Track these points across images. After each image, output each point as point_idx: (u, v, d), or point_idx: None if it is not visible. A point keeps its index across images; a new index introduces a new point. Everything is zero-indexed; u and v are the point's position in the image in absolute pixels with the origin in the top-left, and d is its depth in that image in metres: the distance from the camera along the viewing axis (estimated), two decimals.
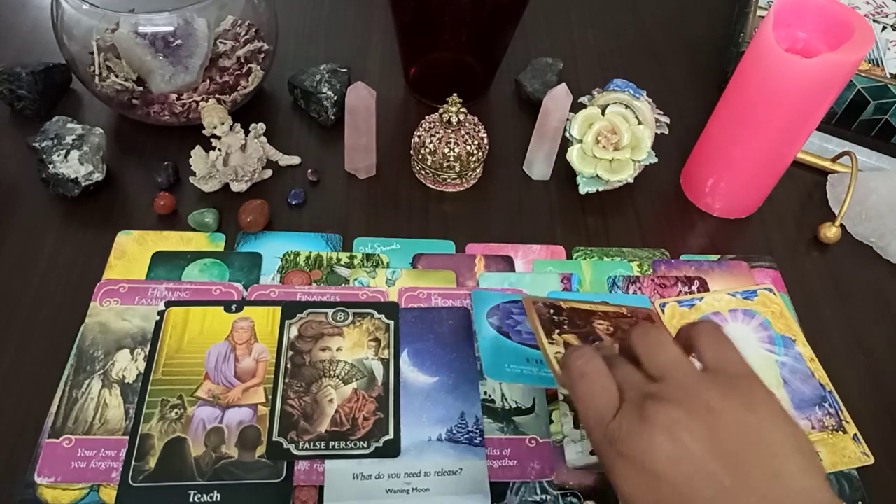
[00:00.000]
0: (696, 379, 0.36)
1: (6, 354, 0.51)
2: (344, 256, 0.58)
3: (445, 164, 0.62)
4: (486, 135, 0.63)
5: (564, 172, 0.66)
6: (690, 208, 0.66)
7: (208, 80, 0.64)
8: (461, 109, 0.61)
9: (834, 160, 0.70)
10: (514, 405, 0.51)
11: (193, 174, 0.61)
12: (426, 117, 0.63)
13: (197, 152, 0.61)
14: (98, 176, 0.59)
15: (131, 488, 0.44)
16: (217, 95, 0.64)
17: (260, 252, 0.58)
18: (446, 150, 0.61)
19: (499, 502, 0.46)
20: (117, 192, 0.62)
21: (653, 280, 0.59)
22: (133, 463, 0.45)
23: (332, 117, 0.67)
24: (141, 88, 0.62)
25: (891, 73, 0.71)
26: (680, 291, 0.59)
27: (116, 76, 0.62)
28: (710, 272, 0.60)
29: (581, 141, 0.63)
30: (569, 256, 0.60)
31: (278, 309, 0.53)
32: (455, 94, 0.61)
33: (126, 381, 0.49)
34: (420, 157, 0.63)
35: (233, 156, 0.60)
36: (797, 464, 0.33)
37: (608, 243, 0.62)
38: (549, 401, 0.51)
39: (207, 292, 0.54)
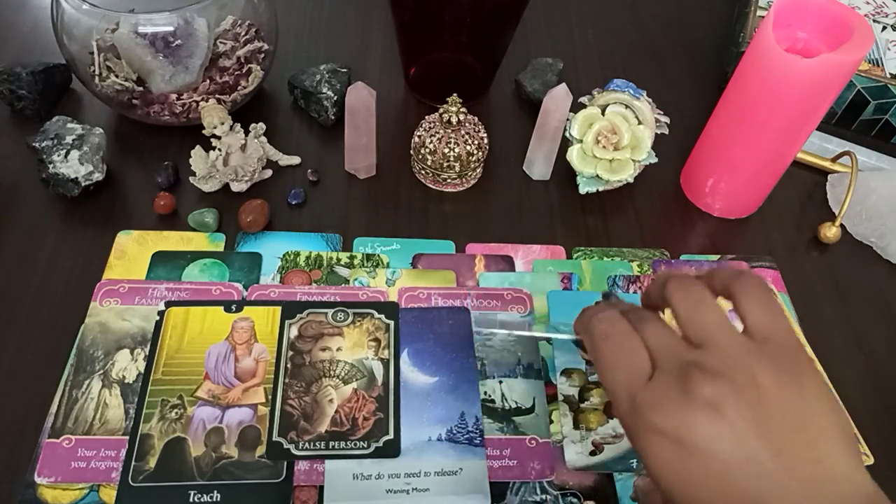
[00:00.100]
0: (744, 349, 0.32)
1: (6, 354, 0.51)
2: (344, 256, 0.58)
3: (445, 164, 0.62)
4: (486, 135, 0.63)
5: (564, 172, 0.66)
6: (690, 208, 0.66)
7: (208, 80, 0.64)
8: (461, 109, 0.61)
9: (834, 160, 0.70)
10: (514, 405, 0.51)
11: (193, 174, 0.61)
12: (426, 117, 0.63)
13: (197, 152, 0.61)
14: (98, 176, 0.59)
15: (131, 488, 0.44)
16: (217, 95, 0.64)
17: (260, 252, 0.58)
18: (446, 150, 0.61)
19: (499, 502, 0.46)
20: (117, 192, 0.62)
21: (653, 280, 0.59)
22: (133, 463, 0.45)
23: (332, 117, 0.67)
24: (141, 88, 0.62)
25: (891, 73, 0.71)
26: None
27: (116, 76, 0.62)
28: None
29: (581, 141, 0.63)
30: (569, 256, 0.60)
31: (278, 309, 0.53)
32: (455, 94, 0.61)
33: (126, 381, 0.49)
34: (420, 157, 0.63)
35: (233, 156, 0.60)
36: (840, 449, 0.31)
37: (608, 243, 0.62)
38: (549, 401, 0.51)
39: (207, 292, 0.54)
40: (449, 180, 0.64)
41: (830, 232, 0.64)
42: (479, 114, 0.66)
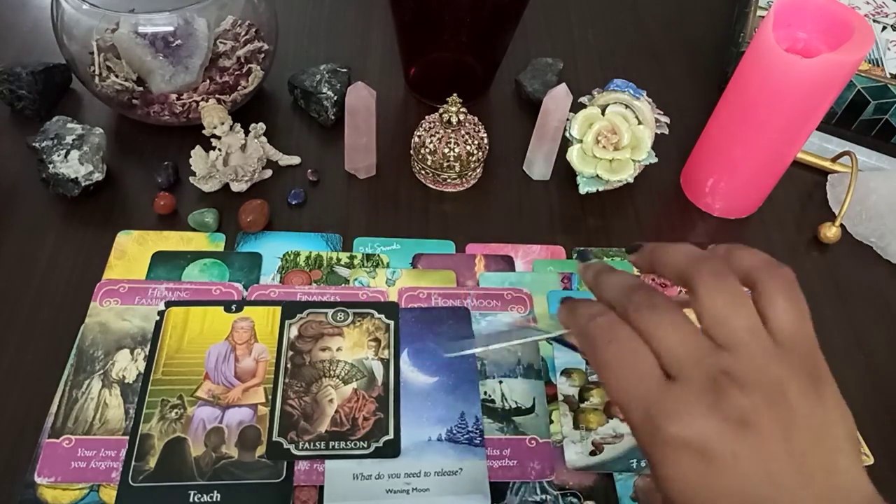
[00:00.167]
0: (775, 358, 0.30)
1: (6, 354, 0.51)
2: (344, 256, 0.58)
3: (445, 164, 0.62)
4: (486, 135, 0.63)
5: (564, 172, 0.66)
6: (690, 208, 0.66)
7: (208, 80, 0.64)
8: (461, 109, 0.61)
9: (834, 160, 0.70)
10: (514, 405, 0.51)
11: (193, 174, 0.61)
12: (426, 117, 0.63)
13: (197, 152, 0.61)
14: (98, 176, 0.59)
15: (131, 488, 0.44)
16: (217, 95, 0.64)
17: (260, 252, 0.58)
18: (446, 150, 0.61)
19: (499, 502, 0.46)
20: (117, 192, 0.62)
21: (653, 279, 0.59)
22: (133, 463, 0.45)
23: (332, 117, 0.67)
24: (141, 88, 0.62)
25: (891, 73, 0.71)
26: (680, 291, 0.58)
27: (116, 76, 0.62)
28: None
29: (581, 141, 0.63)
30: (569, 256, 0.60)
31: (278, 309, 0.53)
32: (455, 94, 0.61)
33: (126, 381, 0.49)
34: (420, 157, 0.63)
35: (233, 156, 0.60)
36: (851, 457, 0.30)
37: (608, 243, 0.62)
38: (549, 401, 0.51)
39: (207, 292, 0.54)
40: (449, 180, 0.64)
41: (830, 232, 0.64)
42: (479, 114, 0.66)
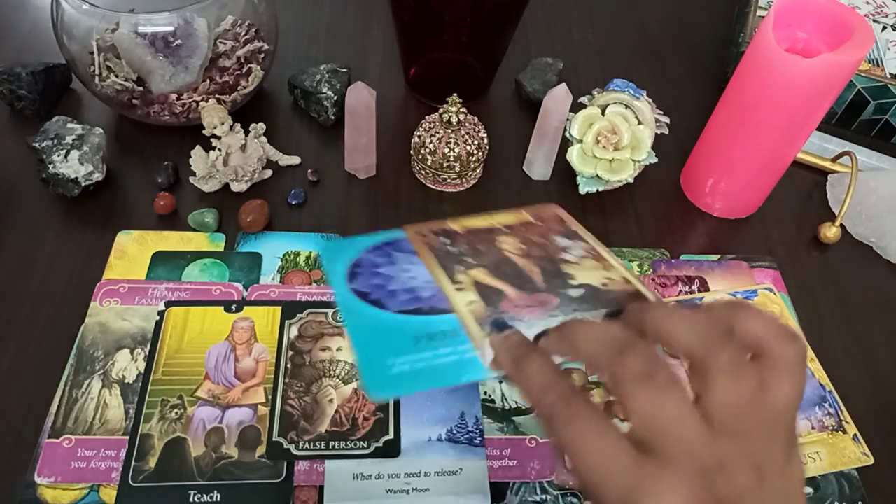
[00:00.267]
0: (764, 440, 0.28)
1: (6, 354, 0.51)
2: None
3: (445, 164, 0.62)
4: (486, 135, 0.63)
5: (564, 172, 0.66)
6: (690, 208, 0.66)
7: (208, 80, 0.64)
8: (461, 109, 0.61)
9: (834, 160, 0.70)
10: (514, 405, 0.51)
11: (193, 174, 0.61)
12: (426, 117, 0.63)
13: (197, 152, 0.61)
14: (98, 176, 0.59)
15: (131, 488, 0.44)
16: (217, 95, 0.64)
17: (260, 252, 0.58)
18: (446, 150, 0.61)
19: (499, 502, 0.46)
20: (117, 192, 0.62)
21: (653, 279, 0.59)
22: (133, 463, 0.45)
23: (332, 117, 0.67)
24: (141, 88, 0.62)
25: (891, 73, 0.71)
26: (680, 291, 0.59)
27: (116, 76, 0.62)
28: (711, 272, 0.60)
29: (581, 141, 0.63)
30: None
31: (278, 309, 0.53)
32: (455, 94, 0.61)
33: (126, 381, 0.49)
34: (420, 157, 0.63)
35: (233, 156, 0.60)
36: None
37: (608, 243, 0.62)
38: None
39: (207, 292, 0.54)
40: (449, 180, 0.64)
41: (830, 232, 0.64)
42: (479, 114, 0.66)
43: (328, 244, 0.45)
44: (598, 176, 0.63)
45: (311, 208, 0.62)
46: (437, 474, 0.47)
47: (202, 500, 0.44)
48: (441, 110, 0.61)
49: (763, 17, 0.56)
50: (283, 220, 0.61)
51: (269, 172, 0.64)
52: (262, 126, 0.62)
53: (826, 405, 0.52)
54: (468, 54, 0.70)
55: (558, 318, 0.33)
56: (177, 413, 0.48)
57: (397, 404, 0.49)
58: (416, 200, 0.64)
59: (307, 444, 0.47)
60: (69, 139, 0.58)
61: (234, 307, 0.53)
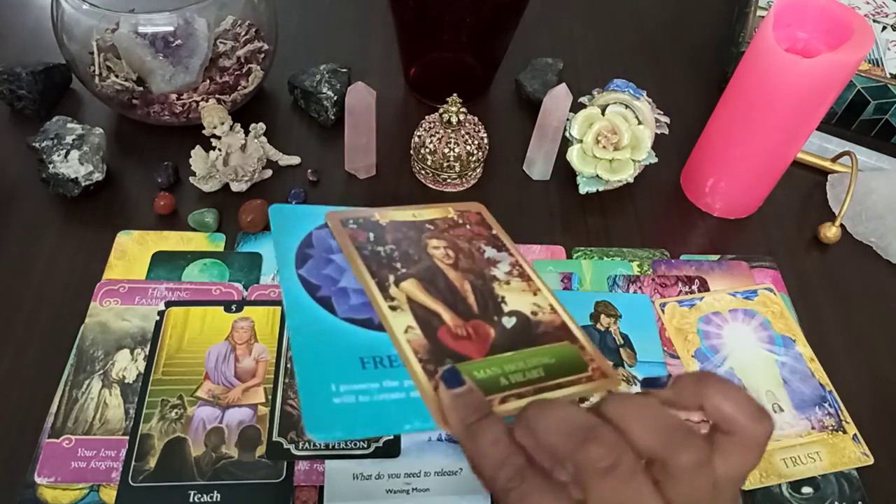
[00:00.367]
0: None
1: (6, 354, 0.51)
2: None
3: (445, 164, 0.62)
4: (486, 135, 0.63)
5: (564, 172, 0.66)
6: (690, 208, 0.66)
7: (208, 80, 0.64)
8: (461, 109, 0.61)
9: (834, 160, 0.70)
10: None
11: (193, 174, 0.61)
12: (426, 117, 0.63)
13: (197, 152, 0.61)
14: (98, 176, 0.59)
15: (131, 488, 0.44)
16: (217, 95, 0.64)
17: (260, 252, 0.58)
18: (446, 150, 0.61)
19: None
20: (117, 192, 0.62)
21: (653, 279, 0.59)
22: (133, 463, 0.45)
23: (332, 117, 0.67)
24: (141, 88, 0.62)
25: (891, 73, 0.71)
26: (680, 291, 0.59)
27: (116, 76, 0.62)
28: (710, 272, 0.60)
29: (581, 141, 0.63)
30: (569, 256, 0.60)
31: (278, 309, 0.53)
32: (455, 94, 0.61)
33: (126, 381, 0.49)
34: (420, 157, 0.63)
35: (233, 156, 0.60)
36: None
37: (608, 243, 0.62)
38: None
39: (207, 292, 0.54)
40: (449, 180, 0.64)
41: (830, 232, 0.64)
42: (479, 114, 0.66)
43: (279, 208, 0.41)
44: (598, 176, 0.63)
45: None
46: (437, 474, 0.47)
47: (202, 500, 0.44)
48: (441, 110, 0.61)
49: (763, 17, 0.56)
50: None
51: (269, 172, 0.64)
52: (262, 126, 0.62)
53: (826, 405, 0.52)
54: (468, 54, 0.70)
55: (496, 370, 0.33)
56: (177, 413, 0.48)
57: None
58: (416, 200, 0.64)
59: (307, 444, 0.47)
60: (69, 139, 0.58)
61: (234, 307, 0.53)
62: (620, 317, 0.56)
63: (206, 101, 0.63)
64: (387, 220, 0.41)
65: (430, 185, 0.65)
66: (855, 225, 0.65)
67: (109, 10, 0.59)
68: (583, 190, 0.64)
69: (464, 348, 0.34)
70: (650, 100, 0.64)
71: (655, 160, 0.63)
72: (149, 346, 0.51)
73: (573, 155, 0.63)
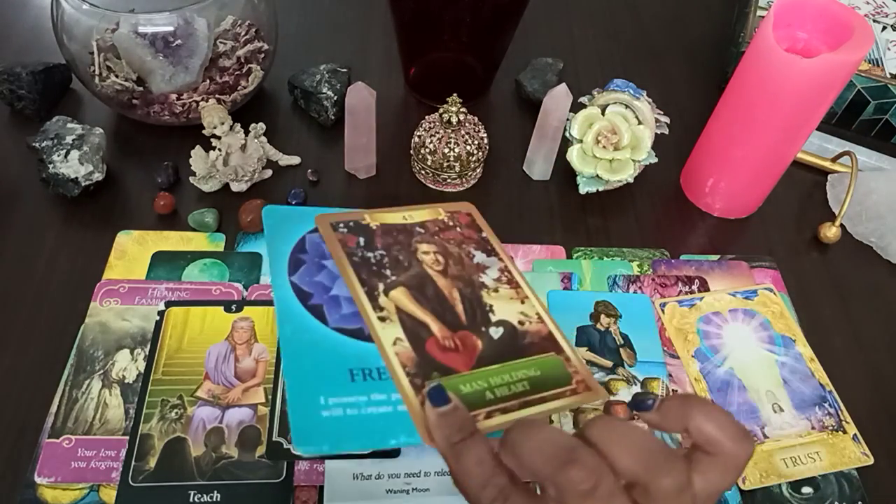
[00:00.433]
0: None
1: (6, 354, 0.51)
2: None
3: (445, 164, 0.62)
4: (486, 135, 0.63)
5: (564, 172, 0.66)
6: (690, 208, 0.66)
7: (208, 80, 0.64)
8: (461, 109, 0.61)
9: (834, 160, 0.70)
10: None
11: (193, 174, 0.61)
12: (426, 117, 0.63)
13: (197, 152, 0.61)
14: (98, 176, 0.59)
15: (131, 488, 0.44)
16: (217, 95, 0.64)
17: (260, 252, 0.58)
18: (446, 150, 0.61)
19: None
20: (117, 192, 0.62)
21: (653, 279, 0.59)
22: (133, 463, 0.45)
23: (332, 117, 0.67)
24: (141, 88, 0.62)
25: (891, 73, 0.71)
26: (680, 291, 0.59)
27: (116, 76, 0.62)
28: (710, 272, 0.60)
29: (581, 141, 0.63)
30: (569, 256, 0.60)
31: None
32: (455, 94, 0.61)
33: (126, 381, 0.49)
34: (420, 157, 0.63)
35: (233, 156, 0.60)
36: None
37: (608, 243, 0.62)
38: None
39: (207, 292, 0.54)
40: (449, 180, 0.64)
41: (830, 232, 0.64)
42: (479, 114, 0.66)
43: (272, 210, 0.40)
44: (598, 176, 0.63)
45: None
46: (437, 474, 0.47)
47: (202, 500, 0.44)
48: (441, 110, 0.61)
49: (763, 17, 0.56)
50: None
51: (269, 172, 0.64)
52: (262, 126, 0.62)
53: (826, 405, 0.52)
54: (468, 54, 0.70)
55: (483, 386, 0.34)
56: (177, 413, 0.48)
57: None
58: (416, 200, 0.64)
59: None
60: (69, 139, 0.58)
61: (234, 307, 0.53)
62: (620, 317, 0.56)
63: (206, 101, 0.63)
64: (377, 222, 0.41)
65: (430, 185, 0.65)
66: (855, 225, 0.65)
67: (109, 10, 0.59)
68: (583, 190, 0.64)
69: (451, 361, 0.35)
70: (650, 100, 0.64)
71: (655, 160, 0.63)
72: (149, 346, 0.51)
73: (573, 155, 0.63)
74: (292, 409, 0.31)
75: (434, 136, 0.62)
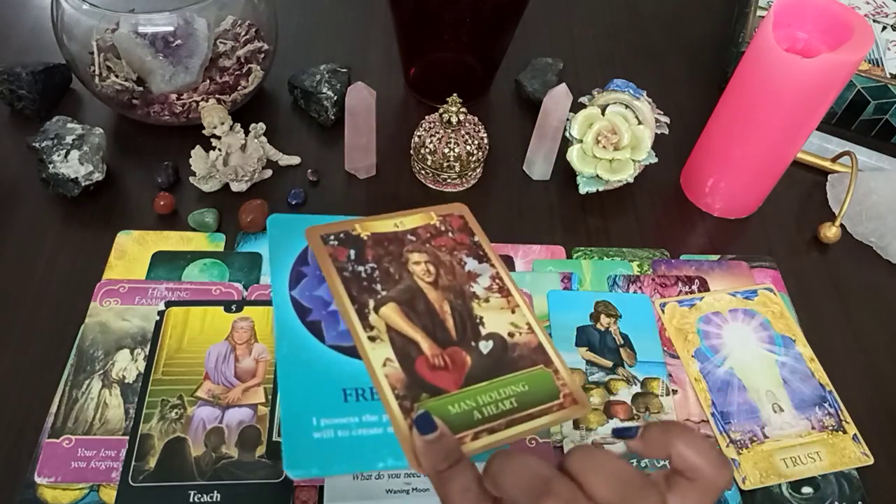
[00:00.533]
0: None
1: (6, 354, 0.51)
2: None
3: (445, 164, 0.62)
4: (486, 135, 0.63)
5: (564, 172, 0.66)
6: (690, 208, 0.66)
7: (208, 80, 0.64)
8: (461, 109, 0.61)
9: (834, 160, 0.70)
10: None
11: (193, 174, 0.61)
12: (426, 117, 0.63)
13: (197, 152, 0.61)
14: (98, 176, 0.59)
15: (131, 488, 0.44)
16: (217, 95, 0.64)
17: (260, 252, 0.58)
18: (446, 150, 0.61)
19: None
20: (117, 192, 0.62)
21: (653, 279, 0.59)
22: (133, 463, 0.45)
23: (332, 117, 0.67)
24: (141, 88, 0.62)
25: (891, 73, 0.71)
26: (680, 291, 0.59)
27: (116, 76, 0.62)
28: (710, 272, 0.60)
29: (581, 141, 0.63)
30: (569, 256, 0.60)
31: None
32: (455, 94, 0.61)
33: (126, 381, 0.49)
34: (420, 157, 0.63)
35: (233, 156, 0.60)
36: None
37: (608, 243, 0.62)
38: None
39: (207, 292, 0.54)
40: (449, 180, 0.64)
41: (830, 232, 0.64)
42: (479, 114, 0.66)
43: (277, 220, 0.40)
44: (598, 176, 0.63)
45: (311, 208, 0.62)
46: None
47: (202, 500, 0.44)
48: (441, 110, 0.61)
49: (763, 17, 0.56)
50: None
51: (269, 172, 0.64)
52: (262, 126, 0.62)
53: (826, 405, 0.52)
54: (468, 54, 0.70)
55: (470, 405, 0.34)
56: (177, 413, 0.48)
57: None
58: (416, 200, 0.64)
59: None
60: (69, 139, 0.58)
61: (234, 307, 0.53)
62: (620, 317, 0.56)
63: (206, 101, 0.63)
64: (368, 232, 0.40)
65: (430, 185, 0.65)
66: (855, 225, 0.65)
67: (109, 10, 0.59)
68: (583, 190, 0.64)
69: (440, 380, 0.35)
70: (650, 100, 0.64)
71: (655, 160, 0.63)
72: (149, 346, 0.51)
73: (573, 155, 0.63)
74: (285, 431, 0.32)
75: (434, 136, 0.62)
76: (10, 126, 0.66)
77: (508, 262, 0.59)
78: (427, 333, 0.37)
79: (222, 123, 0.60)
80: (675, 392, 0.52)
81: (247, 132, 0.61)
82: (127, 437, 0.46)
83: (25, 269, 0.56)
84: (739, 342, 0.55)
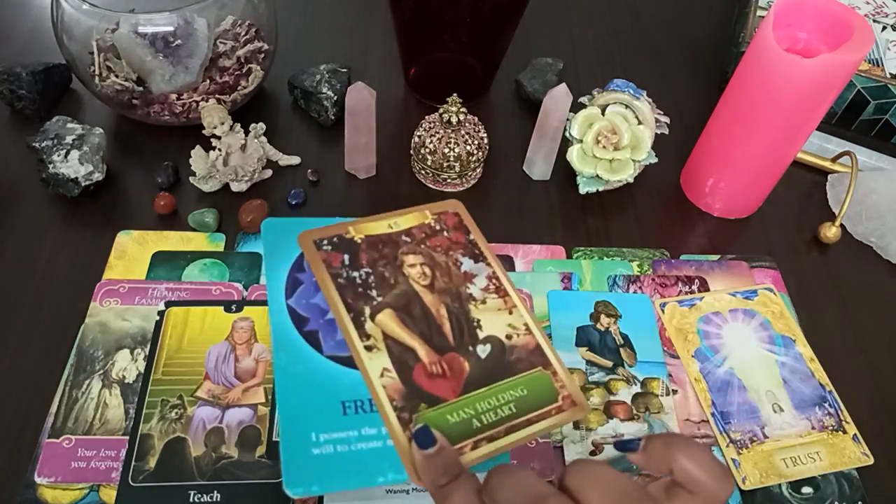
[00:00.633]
0: None
1: (6, 354, 0.51)
2: None
3: (445, 164, 0.62)
4: (486, 135, 0.63)
5: (564, 172, 0.66)
6: (690, 208, 0.66)
7: (208, 80, 0.64)
8: (461, 109, 0.61)
9: (834, 160, 0.70)
10: None
11: (193, 174, 0.61)
12: (426, 117, 0.63)
13: (197, 152, 0.61)
14: (98, 176, 0.59)
15: (131, 488, 0.44)
16: (217, 95, 0.64)
17: (260, 252, 0.58)
18: (446, 150, 0.61)
19: None
20: (117, 192, 0.62)
21: (653, 279, 0.59)
22: (133, 463, 0.45)
23: (332, 117, 0.67)
24: (141, 88, 0.62)
25: (891, 73, 0.71)
26: (680, 291, 0.59)
27: (116, 76, 0.62)
28: (710, 272, 0.60)
29: (581, 141, 0.63)
30: (569, 256, 0.60)
31: None
32: (455, 94, 0.61)
33: (126, 381, 0.49)
34: (420, 157, 0.63)
35: (233, 156, 0.60)
36: None
37: (608, 243, 0.62)
38: None
39: (207, 292, 0.54)
40: (449, 180, 0.64)
41: (830, 232, 0.64)
42: (479, 114, 0.66)
43: (272, 224, 0.39)
44: (598, 176, 0.63)
45: (311, 208, 0.62)
46: None
47: (202, 500, 0.44)
48: (441, 110, 0.61)
49: (763, 17, 0.56)
50: None
51: (269, 172, 0.64)
52: (262, 126, 0.62)
53: (826, 405, 0.52)
54: (468, 54, 0.70)
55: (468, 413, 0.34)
56: (177, 413, 0.48)
57: None
58: (416, 201, 0.64)
59: None
60: (69, 139, 0.58)
61: (234, 307, 0.53)
62: (620, 317, 0.56)
63: (206, 101, 0.63)
64: (362, 235, 0.40)
65: (430, 185, 0.65)
66: (855, 225, 0.65)
67: (109, 10, 0.59)
68: (583, 190, 0.64)
69: (438, 389, 0.35)
70: (650, 100, 0.64)
71: (655, 160, 0.63)
72: (149, 346, 0.51)
73: (573, 155, 0.63)
74: (284, 448, 0.31)
75: (434, 136, 0.62)
76: (10, 126, 0.66)
77: (508, 263, 0.59)
78: (424, 340, 0.36)
79: (222, 123, 0.60)
80: (675, 392, 0.52)
81: (247, 132, 0.61)
82: (127, 437, 0.46)
83: (25, 269, 0.56)
84: (739, 342, 0.55)
